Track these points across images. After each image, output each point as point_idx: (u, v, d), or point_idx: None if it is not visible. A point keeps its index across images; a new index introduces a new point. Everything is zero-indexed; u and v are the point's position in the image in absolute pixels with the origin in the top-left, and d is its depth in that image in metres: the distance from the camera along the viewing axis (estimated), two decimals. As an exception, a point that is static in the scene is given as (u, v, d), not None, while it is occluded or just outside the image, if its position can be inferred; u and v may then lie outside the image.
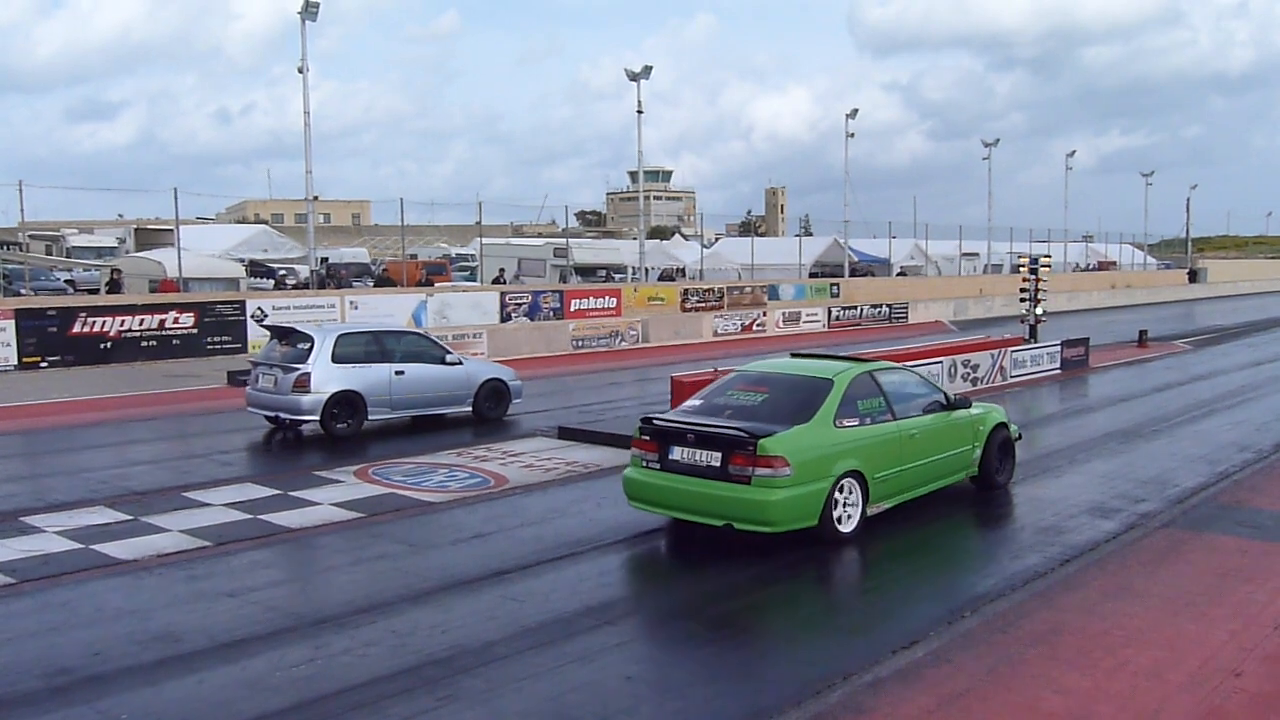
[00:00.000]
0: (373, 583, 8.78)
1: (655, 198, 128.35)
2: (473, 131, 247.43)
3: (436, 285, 36.10)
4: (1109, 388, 22.48)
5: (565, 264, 44.22)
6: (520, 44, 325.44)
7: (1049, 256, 27.91)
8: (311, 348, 15.61)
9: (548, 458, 14.05)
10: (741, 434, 9.15)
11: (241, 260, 38.59)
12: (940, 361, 20.14)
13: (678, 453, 9.50)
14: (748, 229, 79.79)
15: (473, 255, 46.06)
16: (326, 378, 15.46)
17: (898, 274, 55.34)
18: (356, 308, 28.50)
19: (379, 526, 10.63)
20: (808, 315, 39.26)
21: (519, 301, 33.18)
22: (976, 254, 62.57)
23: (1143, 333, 31.39)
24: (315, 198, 32.98)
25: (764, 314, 38.01)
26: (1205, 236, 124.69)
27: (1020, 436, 12.73)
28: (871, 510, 9.90)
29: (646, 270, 44.26)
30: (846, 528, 9.57)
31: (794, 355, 11.68)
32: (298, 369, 15.40)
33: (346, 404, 15.61)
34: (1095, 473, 13.38)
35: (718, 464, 9.22)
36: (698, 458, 9.36)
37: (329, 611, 8.01)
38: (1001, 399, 20.30)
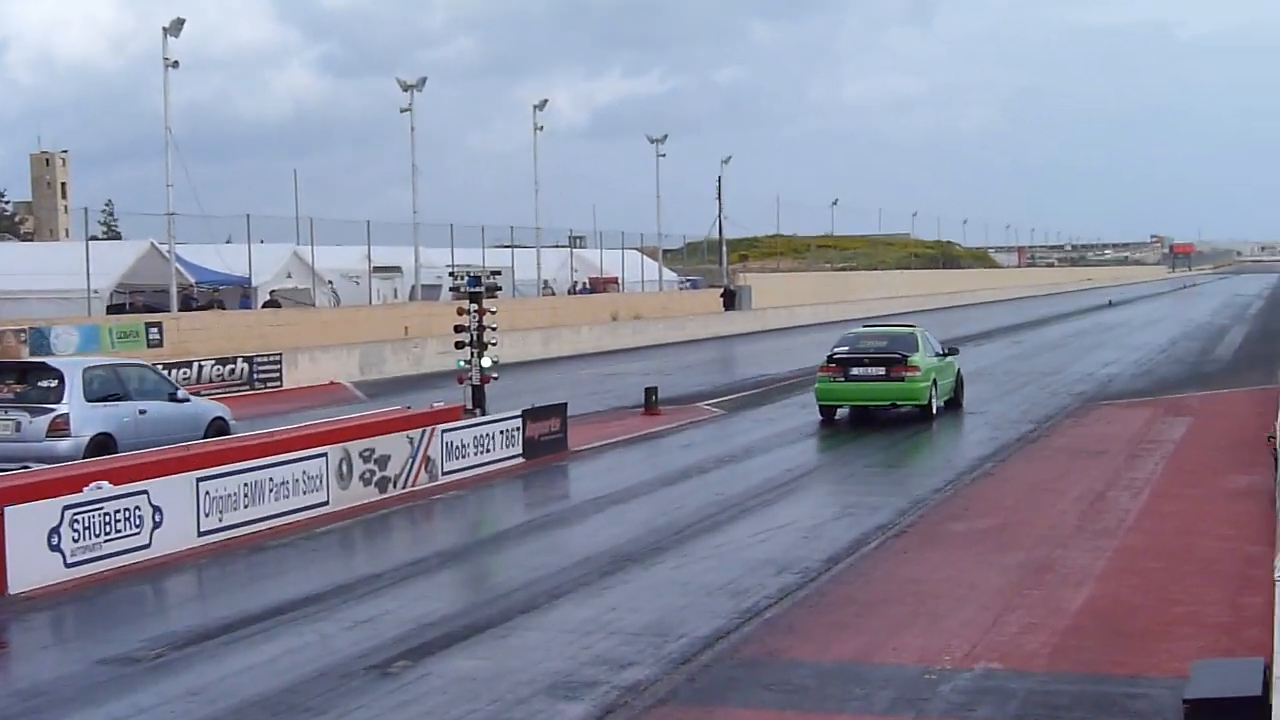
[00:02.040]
0: None
1: None
2: None
3: None
4: (594, 483, 24.42)
5: None
6: None
7: (498, 274, 29.24)
8: (60, 384, 21.59)
9: None
10: (898, 355, 31.20)
11: None
12: (323, 453, 20.40)
13: (856, 370, 31.17)
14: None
15: None
16: (85, 418, 21.50)
17: (266, 304, 55.88)
18: None
19: None
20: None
21: None
22: (398, 269, 64.91)
23: (651, 392, 34.05)
24: None
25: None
26: (750, 238, 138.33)
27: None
28: (937, 404, 32.19)
29: None
30: (935, 408, 32.00)
31: (866, 326, 38.06)
32: (52, 409, 21.25)
33: (102, 450, 20.98)
34: (563, 625, 14.23)
35: (883, 373, 31.00)
36: (869, 371, 31.13)
37: None
38: (430, 514, 21.19)
